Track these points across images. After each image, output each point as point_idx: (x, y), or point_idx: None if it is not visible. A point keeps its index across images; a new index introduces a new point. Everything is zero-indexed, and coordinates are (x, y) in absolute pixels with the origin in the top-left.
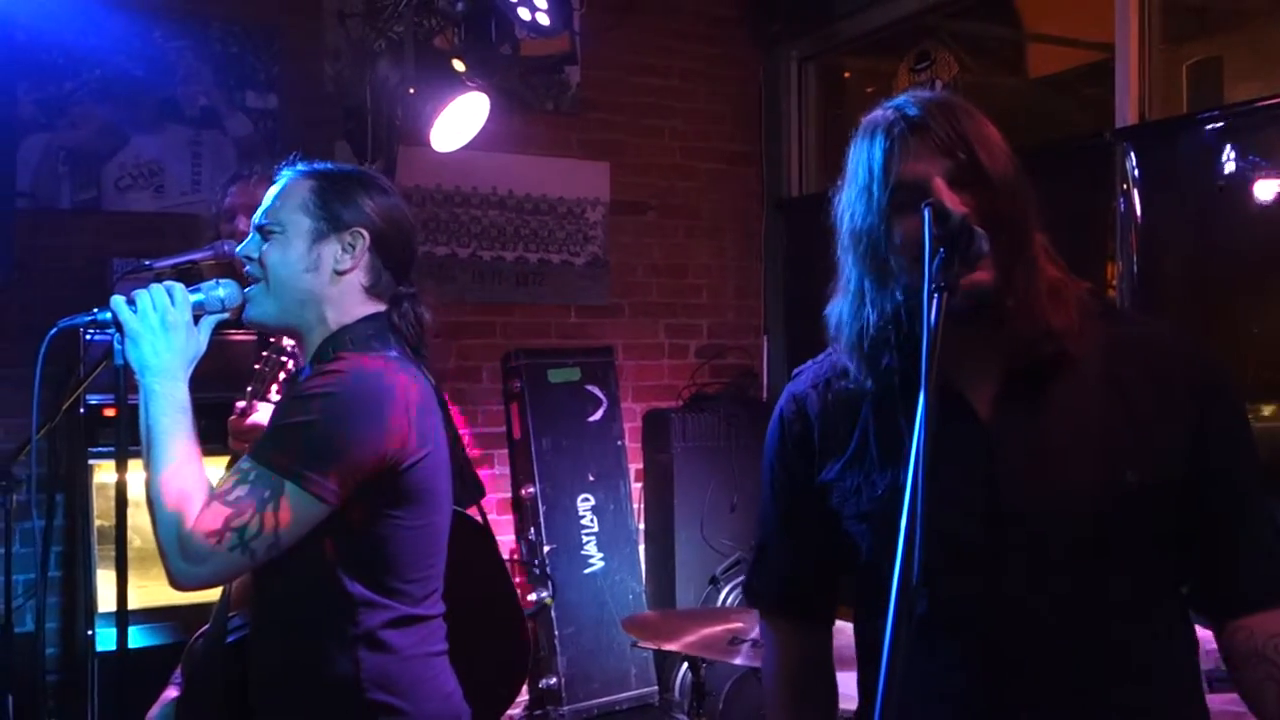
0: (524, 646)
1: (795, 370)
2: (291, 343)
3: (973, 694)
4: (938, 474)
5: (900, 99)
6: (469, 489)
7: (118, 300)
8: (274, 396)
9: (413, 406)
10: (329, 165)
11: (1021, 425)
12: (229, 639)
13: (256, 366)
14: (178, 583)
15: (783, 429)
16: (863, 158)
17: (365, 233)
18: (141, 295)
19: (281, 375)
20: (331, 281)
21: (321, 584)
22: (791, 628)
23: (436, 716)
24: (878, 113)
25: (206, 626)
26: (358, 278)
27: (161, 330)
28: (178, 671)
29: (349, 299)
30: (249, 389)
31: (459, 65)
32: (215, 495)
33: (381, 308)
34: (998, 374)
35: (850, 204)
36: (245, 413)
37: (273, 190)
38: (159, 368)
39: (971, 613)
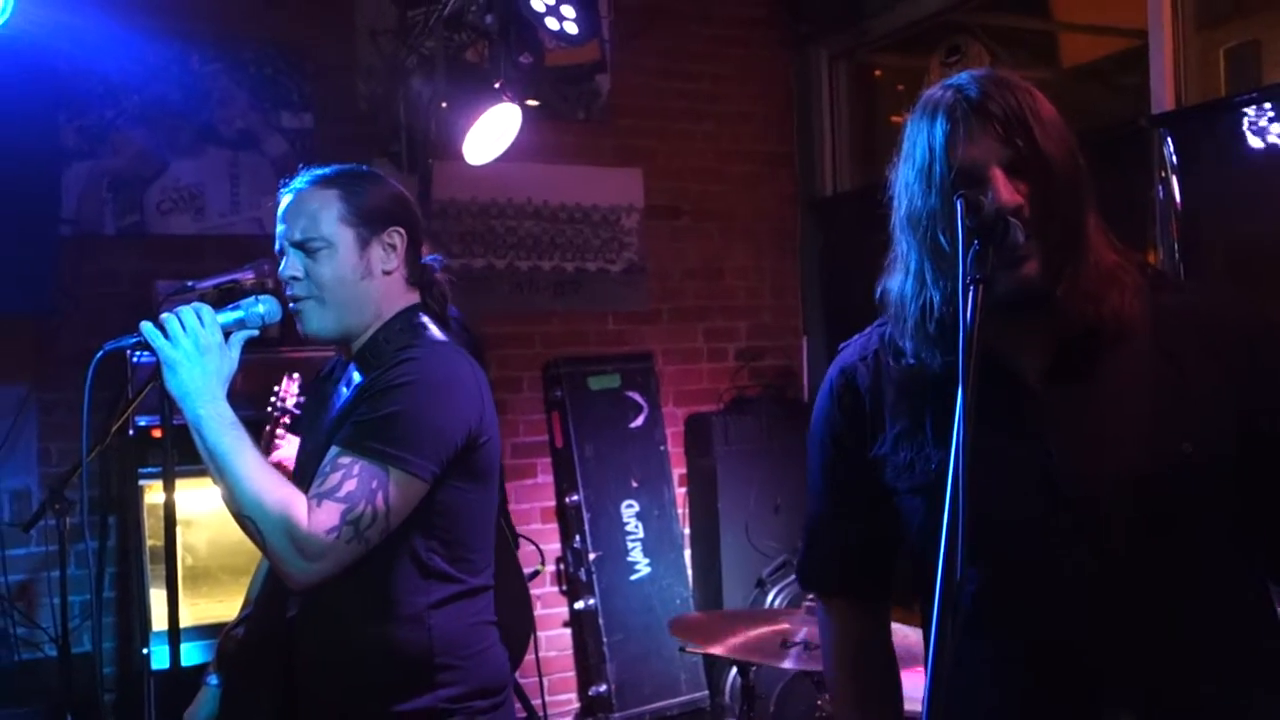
0: (529, 612)
1: (841, 345)
2: (291, 394)
3: (1029, 675)
4: (991, 448)
5: (960, 77)
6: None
7: (150, 328)
8: (280, 441)
9: (481, 385)
10: (333, 170)
11: (1073, 398)
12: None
13: (270, 410)
14: (299, 582)
15: (833, 401)
16: (922, 138)
17: (401, 230)
18: (171, 321)
19: (284, 421)
20: (379, 282)
21: (400, 560)
22: (848, 607)
23: (491, 678)
24: (937, 91)
25: (239, 618)
26: (400, 272)
27: (197, 354)
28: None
29: (395, 294)
30: (266, 429)
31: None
32: (321, 493)
33: (417, 295)
34: (1049, 350)
35: (909, 184)
36: (269, 448)
37: (294, 205)
38: (198, 391)
39: (1027, 588)
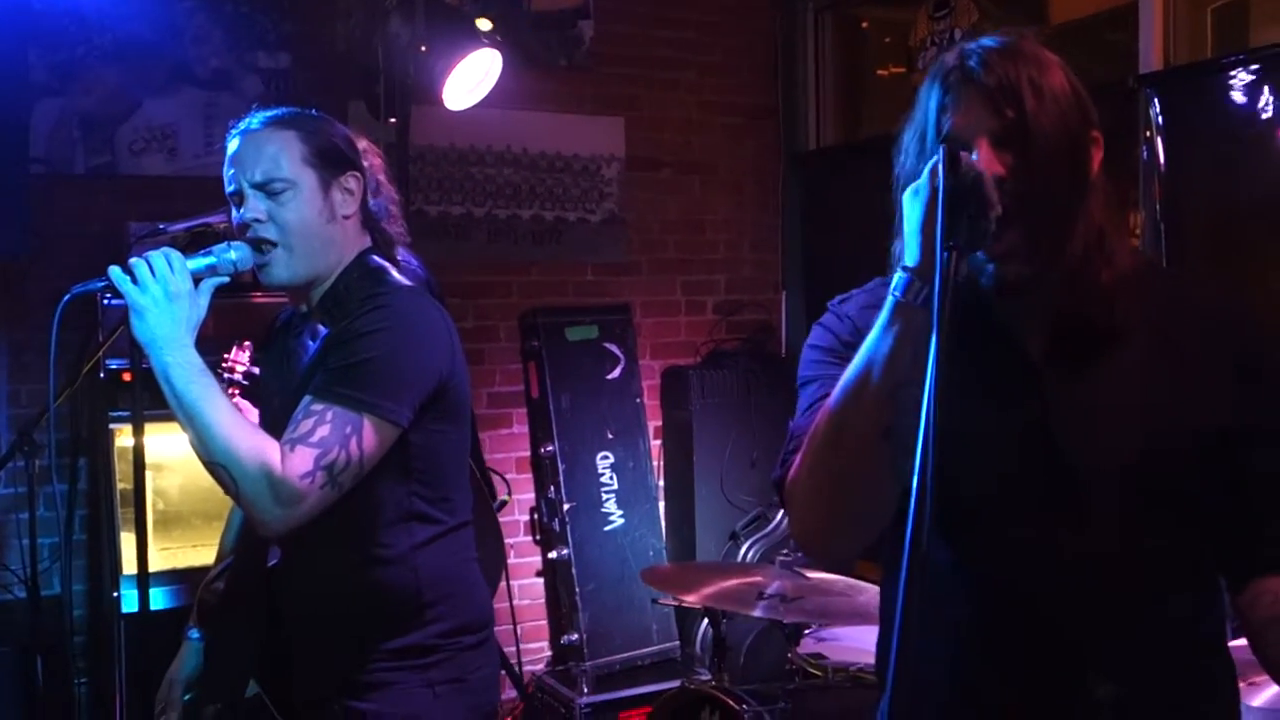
0: (501, 545)
1: (841, 296)
2: (241, 363)
3: (1009, 640)
4: (988, 417)
5: (972, 44)
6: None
7: (118, 273)
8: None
9: (450, 329)
10: (285, 111)
11: (1074, 377)
12: (270, 564)
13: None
14: (273, 529)
15: (829, 331)
16: (923, 102)
17: (357, 174)
18: (140, 266)
19: (233, 392)
20: (341, 226)
21: (382, 504)
22: None
23: (476, 613)
24: (948, 55)
25: (217, 570)
26: (356, 217)
27: (166, 300)
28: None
29: (352, 238)
30: None
31: (482, 24)
32: (295, 439)
33: (369, 239)
34: (1050, 323)
35: (906, 145)
36: None
37: (249, 147)
38: (166, 339)
39: (1012, 556)
